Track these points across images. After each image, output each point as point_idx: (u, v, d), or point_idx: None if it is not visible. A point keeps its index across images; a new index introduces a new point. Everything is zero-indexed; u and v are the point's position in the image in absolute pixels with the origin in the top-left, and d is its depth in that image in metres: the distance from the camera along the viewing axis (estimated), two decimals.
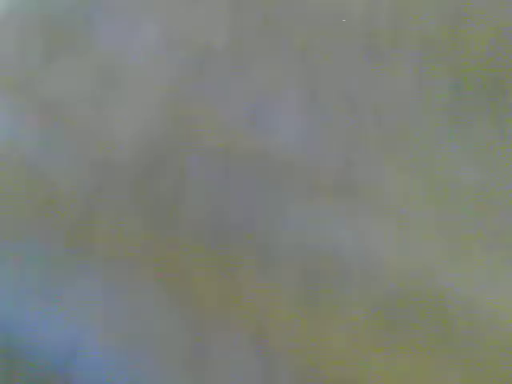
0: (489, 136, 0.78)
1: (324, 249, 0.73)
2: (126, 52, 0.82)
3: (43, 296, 0.72)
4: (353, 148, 0.78)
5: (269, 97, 0.81)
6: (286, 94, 0.81)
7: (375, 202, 0.75)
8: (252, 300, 0.71)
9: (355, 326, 0.69)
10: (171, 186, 0.76)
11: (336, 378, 0.68)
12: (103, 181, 0.76)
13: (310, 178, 0.76)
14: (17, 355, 0.72)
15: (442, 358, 0.68)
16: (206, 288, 0.72)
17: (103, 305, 0.72)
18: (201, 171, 0.76)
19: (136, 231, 0.74)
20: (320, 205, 0.75)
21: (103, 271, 0.73)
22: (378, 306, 0.70)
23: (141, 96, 0.81)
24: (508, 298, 0.70)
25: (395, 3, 0.86)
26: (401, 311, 0.70)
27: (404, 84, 0.81)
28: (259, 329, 0.70)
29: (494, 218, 0.74)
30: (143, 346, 0.70)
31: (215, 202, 0.75)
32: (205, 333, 0.70)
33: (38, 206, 0.76)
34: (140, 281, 0.72)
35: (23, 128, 0.80)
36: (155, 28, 0.83)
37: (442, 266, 0.71)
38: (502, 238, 0.72)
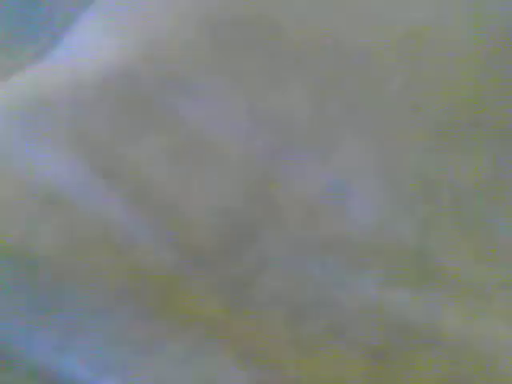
0: None
1: (396, 332, 0.74)
2: (212, 130, 0.84)
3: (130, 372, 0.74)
4: (428, 231, 0.78)
5: (346, 177, 0.82)
6: (363, 175, 0.82)
7: (451, 289, 0.75)
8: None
9: None
10: (250, 268, 0.77)
11: None
12: (182, 261, 0.78)
13: (386, 260, 0.77)
14: None
15: None
16: (283, 366, 0.73)
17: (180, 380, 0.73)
18: (281, 254, 0.78)
19: (215, 311, 0.75)
20: (395, 288, 0.76)
21: (182, 351, 0.74)
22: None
23: (225, 175, 0.82)
24: None
25: (475, 91, 0.87)
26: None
27: (481, 171, 0.82)
28: None
29: None
30: None
31: (295, 284, 0.76)
32: None
33: (121, 282, 0.78)
34: (219, 360, 0.74)
35: (112, 207, 0.82)
36: (242, 106, 0.85)
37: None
38: None
